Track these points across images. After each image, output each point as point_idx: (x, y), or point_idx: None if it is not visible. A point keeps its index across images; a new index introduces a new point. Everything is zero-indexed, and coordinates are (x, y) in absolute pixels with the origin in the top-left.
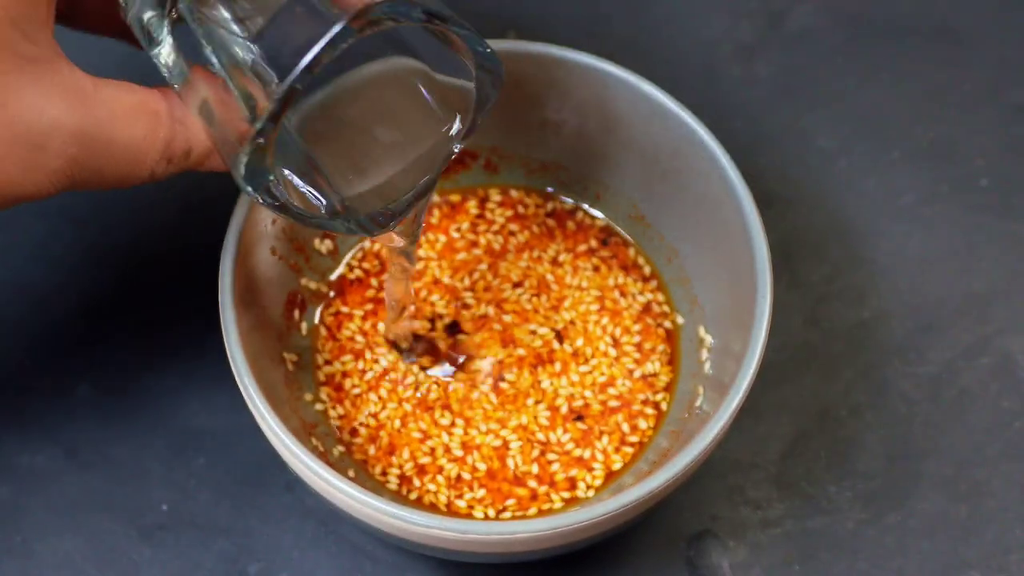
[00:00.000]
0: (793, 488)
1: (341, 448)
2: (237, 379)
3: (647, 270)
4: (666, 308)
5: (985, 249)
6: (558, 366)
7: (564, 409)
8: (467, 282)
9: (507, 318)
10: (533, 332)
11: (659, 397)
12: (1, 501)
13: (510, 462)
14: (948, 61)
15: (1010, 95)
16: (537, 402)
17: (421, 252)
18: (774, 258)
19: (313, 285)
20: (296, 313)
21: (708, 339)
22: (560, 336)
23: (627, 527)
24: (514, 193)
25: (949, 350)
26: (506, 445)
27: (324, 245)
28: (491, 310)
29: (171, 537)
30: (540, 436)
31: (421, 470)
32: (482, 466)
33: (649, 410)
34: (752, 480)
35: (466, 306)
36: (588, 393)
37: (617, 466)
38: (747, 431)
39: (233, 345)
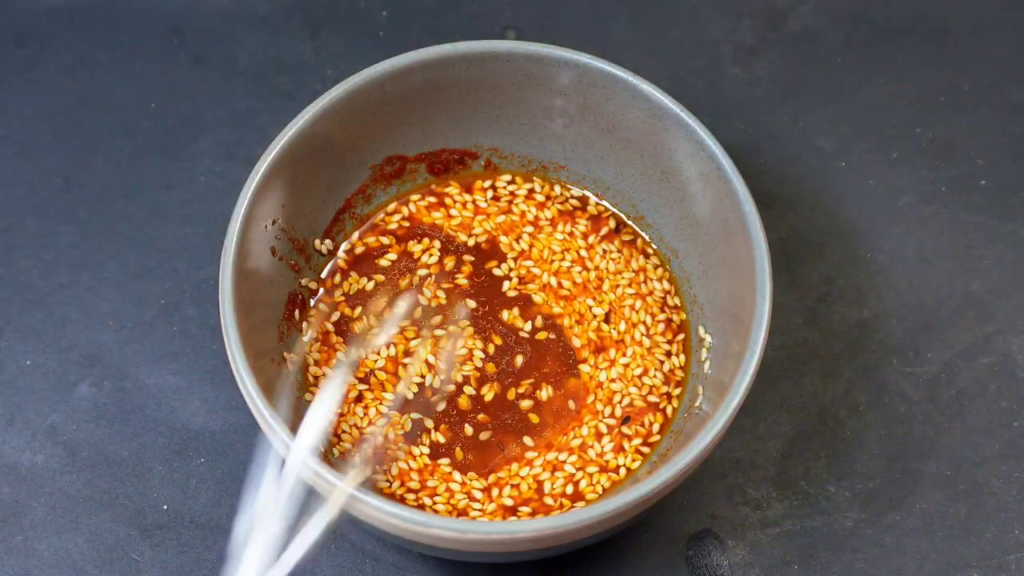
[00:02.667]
0: (792, 488)
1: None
2: (237, 379)
3: (656, 259)
4: (677, 300)
5: (984, 249)
6: (612, 353)
7: (618, 411)
8: (519, 246)
9: (565, 286)
10: (590, 307)
11: (676, 392)
12: (2, 500)
13: (547, 486)
14: (948, 61)
15: (1010, 95)
16: (596, 415)
17: (454, 212)
18: (774, 258)
19: (313, 285)
20: (296, 313)
21: (708, 339)
22: (607, 318)
23: (627, 527)
24: (521, 180)
25: (948, 350)
26: (538, 480)
27: (324, 245)
28: (553, 280)
29: (172, 536)
30: (591, 453)
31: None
32: (509, 502)
33: (669, 408)
34: (752, 480)
35: (530, 273)
36: (633, 389)
37: (636, 464)
38: (747, 431)
39: (233, 345)
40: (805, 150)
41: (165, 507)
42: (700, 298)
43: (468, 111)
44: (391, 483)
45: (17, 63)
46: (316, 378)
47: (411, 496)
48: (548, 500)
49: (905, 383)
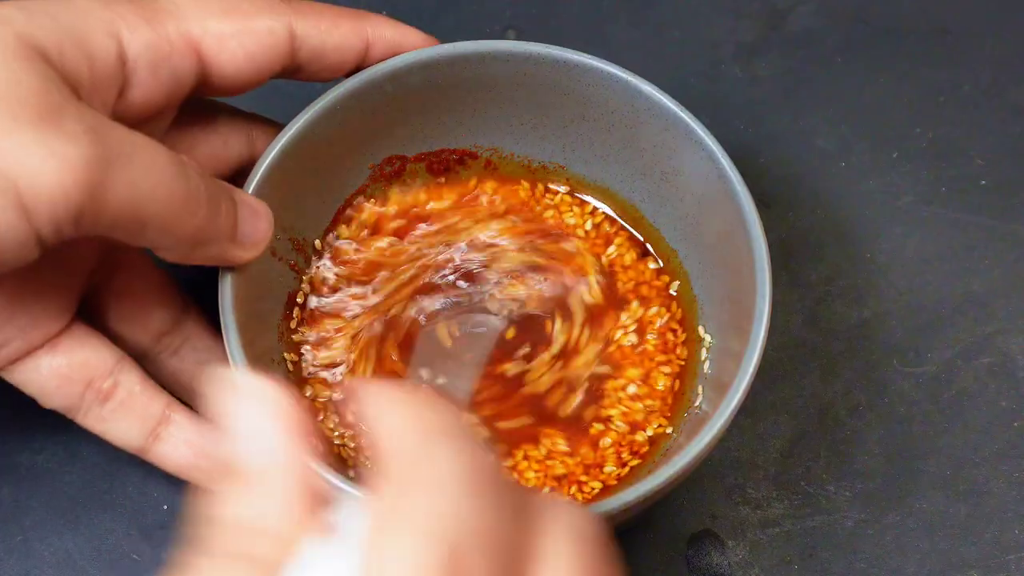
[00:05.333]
0: (792, 487)
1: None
2: None
3: (656, 261)
4: (680, 310)
5: (984, 249)
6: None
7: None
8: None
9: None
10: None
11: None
12: (2, 500)
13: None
14: (948, 61)
15: (1010, 95)
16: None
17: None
18: (774, 258)
19: (313, 284)
20: (296, 313)
21: (708, 339)
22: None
23: (627, 527)
24: (526, 182)
25: (948, 350)
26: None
27: (324, 244)
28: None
29: (172, 536)
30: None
31: None
32: None
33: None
34: (752, 480)
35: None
36: (632, 388)
37: (635, 462)
38: (747, 431)
39: (233, 345)
40: (805, 150)
41: (165, 507)
42: (700, 298)
43: (468, 111)
44: None
45: None
46: (315, 378)
47: None
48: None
49: (905, 383)
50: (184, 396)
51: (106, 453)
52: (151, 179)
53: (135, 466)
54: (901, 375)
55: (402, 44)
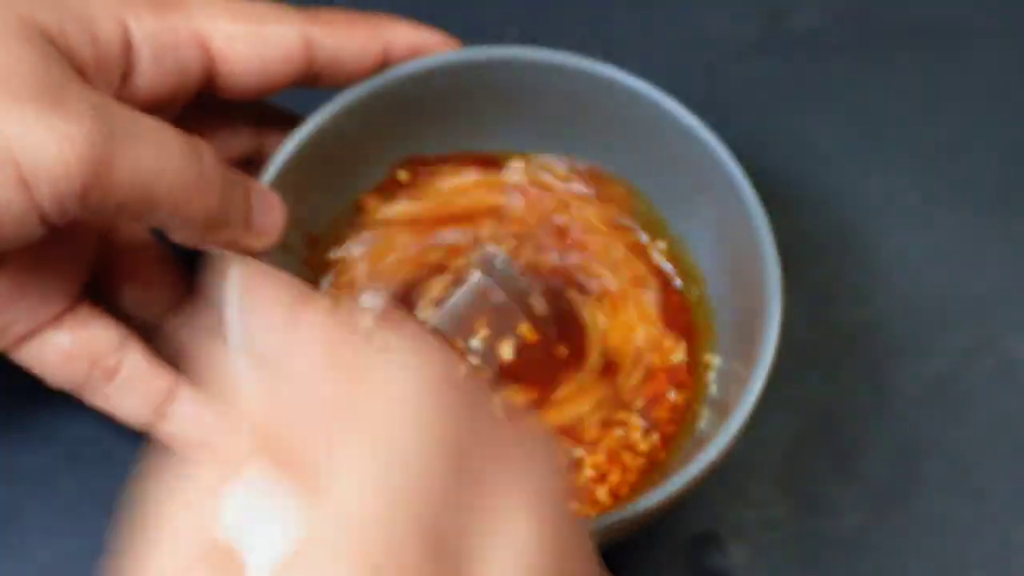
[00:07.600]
0: (795, 489)
1: None
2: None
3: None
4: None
5: (987, 249)
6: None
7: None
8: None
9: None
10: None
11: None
12: (1, 501)
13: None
14: (949, 61)
15: (1010, 95)
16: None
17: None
18: None
19: (325, 279)
20: None
21: (716, 361)
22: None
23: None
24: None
25: (951, 350)
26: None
27: (339, 241)
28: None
29: None
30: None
31: None
32: None
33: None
34: (754, 481)
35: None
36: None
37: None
38: (748, 431)
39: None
40: (805, 150)
41: None
42: (716, 322)
43: (492, 116)
44: None
45: None
46: None
47: None
48: None
49: (908, 384)
50: (188, 373)
51: (106, 454)
52: (159, 159)
53: (135, 466)
54: (903, 375)
55: (423, 48)
